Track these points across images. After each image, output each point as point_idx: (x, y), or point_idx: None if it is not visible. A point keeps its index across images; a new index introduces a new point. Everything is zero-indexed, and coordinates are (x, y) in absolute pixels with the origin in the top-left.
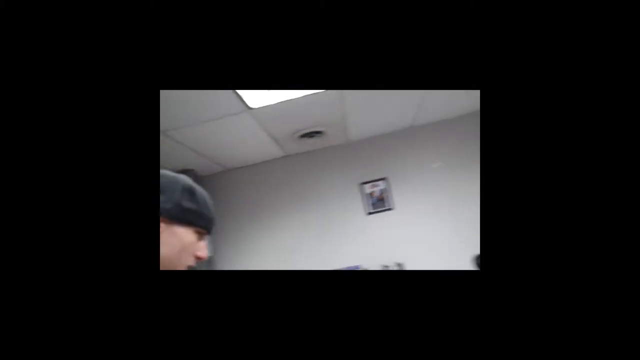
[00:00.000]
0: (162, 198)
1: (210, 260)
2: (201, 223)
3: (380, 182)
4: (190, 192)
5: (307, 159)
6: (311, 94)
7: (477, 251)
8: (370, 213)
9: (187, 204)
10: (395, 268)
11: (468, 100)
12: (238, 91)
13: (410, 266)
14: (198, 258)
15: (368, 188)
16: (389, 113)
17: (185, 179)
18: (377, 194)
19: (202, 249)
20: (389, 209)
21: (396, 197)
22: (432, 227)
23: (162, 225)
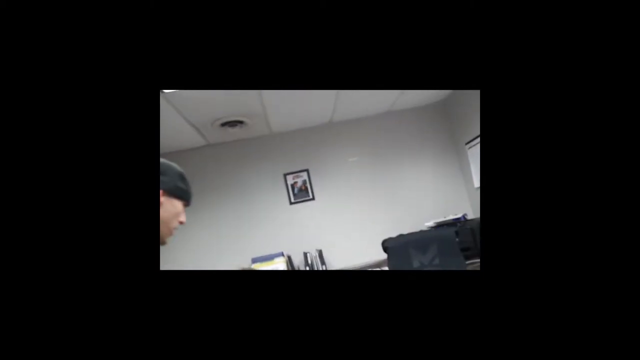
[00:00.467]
0: (163, 179)
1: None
2: (187, 198)
3: (302, 173)
4: (181, 176)
5: (231, 148)
6: None
7: (388, 236)
8: (293, 203)
9: (180, 184)
10: (316, 255)
11: (383, 101)
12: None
13: (329, 252)
14: (181, 222)
15: (291, 179)
16: (309, 108)
17: (177, 167)
18: (299, 184)
19: (184, 216)
20: (311, 199)
21: (317, 188)
22: (350, 215)
23: (163, 198)
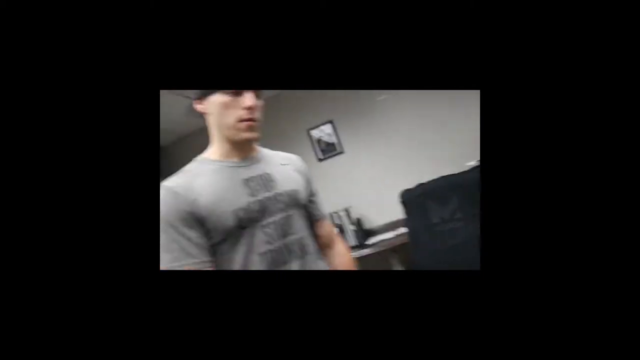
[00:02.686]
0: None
1: None
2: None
3: (326, 126)
4: None
5: None
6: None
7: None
8: (321, 160)
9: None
10: (343, 214)
11: None
12: None
13: (364, 209)
14: (247, 108)
15: (316, 134)
16: None
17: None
18: (325, 138)
19: (246, 99)
20: (340, 153)
21: (345, 139)
22: (384, 165)
23: (199, 107)
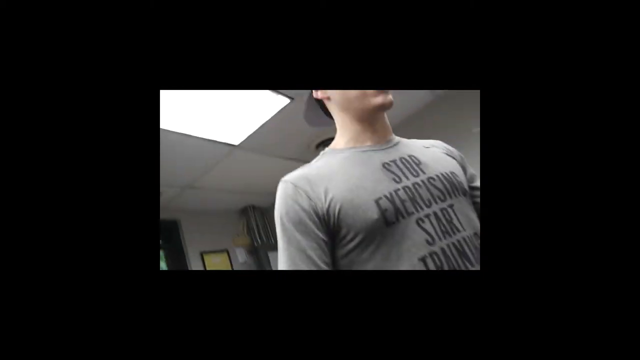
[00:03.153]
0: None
1: None
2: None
3: None
4: None
5: None
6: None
7: None
8: None
9: None
10: None
11: None
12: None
13: None
14: (379, 106)
15: None
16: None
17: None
18: None
19: (380, 97)
20: None
21: None
22: None
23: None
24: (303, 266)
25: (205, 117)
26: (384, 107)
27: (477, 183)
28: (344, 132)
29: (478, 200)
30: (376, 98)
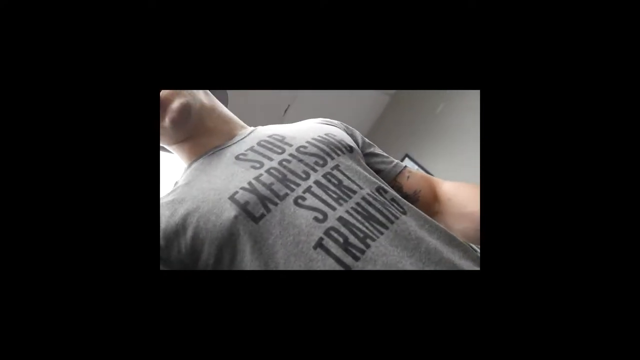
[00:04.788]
0: None
1: None
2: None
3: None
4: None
5: None
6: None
7: None
8: None
9: None
10: None
11: None
12: None
13: None
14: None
15: None
16: None
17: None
18: None
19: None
20: None
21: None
22: None
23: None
24: None
25: None
26: (175, 122)
27: (375, 150)
28: (184, 157)
29: (380, 167)
30: (164, 122)
